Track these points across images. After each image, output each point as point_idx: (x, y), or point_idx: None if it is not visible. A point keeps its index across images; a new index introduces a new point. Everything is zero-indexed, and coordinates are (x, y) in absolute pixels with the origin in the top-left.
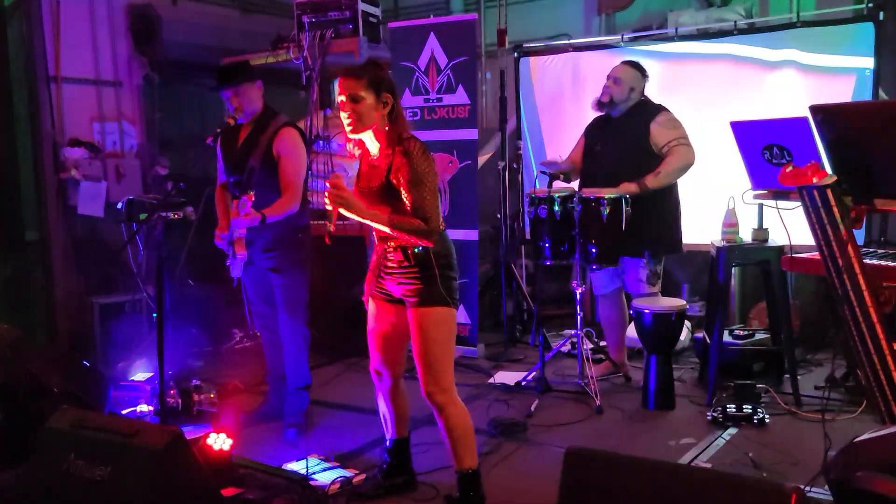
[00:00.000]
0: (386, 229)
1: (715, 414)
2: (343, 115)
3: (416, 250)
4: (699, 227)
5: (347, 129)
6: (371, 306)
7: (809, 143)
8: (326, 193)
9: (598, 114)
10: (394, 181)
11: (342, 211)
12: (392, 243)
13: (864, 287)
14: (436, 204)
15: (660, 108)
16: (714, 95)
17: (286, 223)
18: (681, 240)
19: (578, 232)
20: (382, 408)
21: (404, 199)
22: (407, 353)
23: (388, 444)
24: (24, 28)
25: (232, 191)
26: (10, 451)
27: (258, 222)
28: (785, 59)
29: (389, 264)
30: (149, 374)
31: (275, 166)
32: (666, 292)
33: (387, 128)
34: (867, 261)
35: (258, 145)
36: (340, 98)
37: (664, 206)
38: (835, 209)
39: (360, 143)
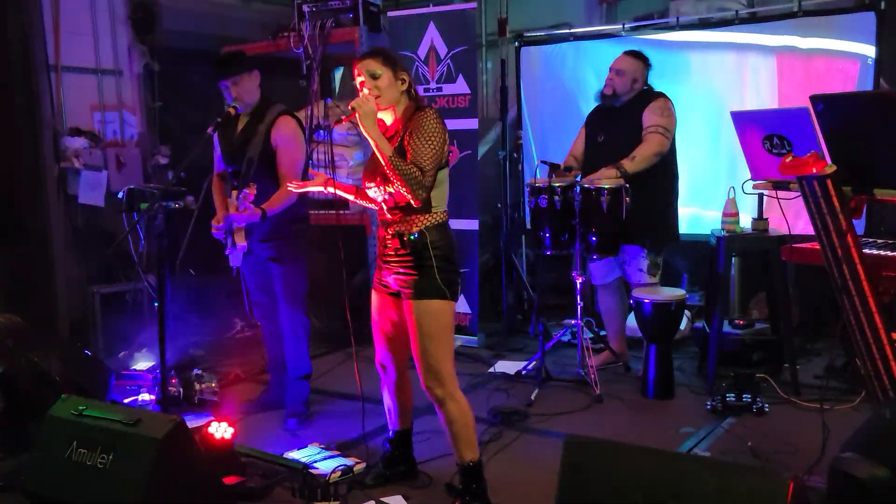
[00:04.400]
0: (383, 156)
1: (714, 403)
2: (365, 93)
3: (411, 237)
4: (699, 217)
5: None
6: (374, 298)
7: (810, 134)
8: (361, 95)
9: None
10: (405, 143)
11: (359, 118)
12: (391, 230)
13: (863, 277)
14: (435, 162)
15: (658, 95)
16: (715, 85)
17: (285, 213)
18: (678, 230)
19: (579, 222)
20: (387, 400)
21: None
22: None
23: (390, 434)
24: (24, 17)
25: (230, 180)
26: (13, 439)
27: (258, 218)
28: (786, 48)
29: (388, 252)
30: (150, 364)
31: (273, 156)
32: (666, 282)
33: (406, 105)
34: (867, 251)
35: (256, 135)
36: (360, 79)
37: (661, 196)
38: (834, 199)
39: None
